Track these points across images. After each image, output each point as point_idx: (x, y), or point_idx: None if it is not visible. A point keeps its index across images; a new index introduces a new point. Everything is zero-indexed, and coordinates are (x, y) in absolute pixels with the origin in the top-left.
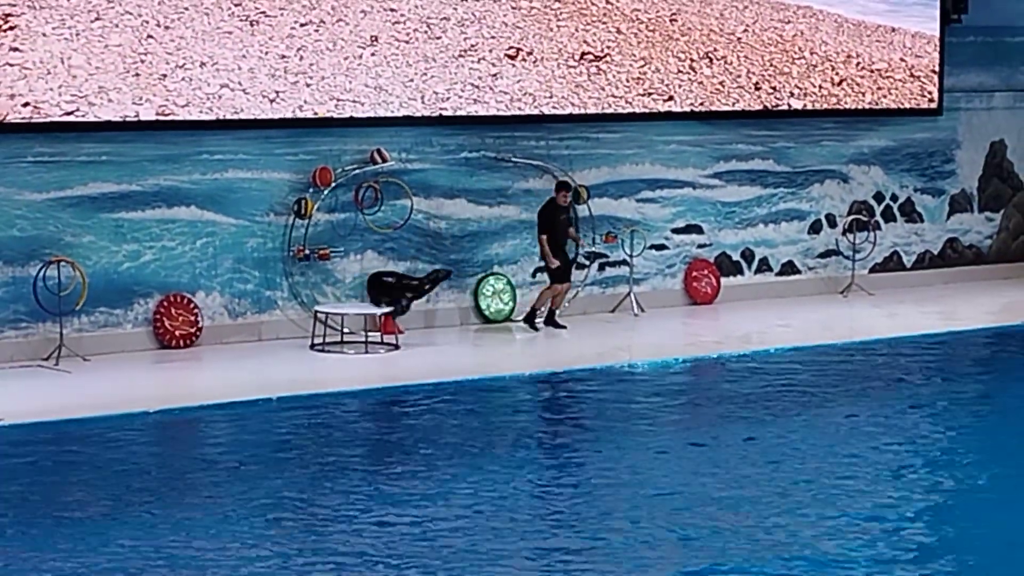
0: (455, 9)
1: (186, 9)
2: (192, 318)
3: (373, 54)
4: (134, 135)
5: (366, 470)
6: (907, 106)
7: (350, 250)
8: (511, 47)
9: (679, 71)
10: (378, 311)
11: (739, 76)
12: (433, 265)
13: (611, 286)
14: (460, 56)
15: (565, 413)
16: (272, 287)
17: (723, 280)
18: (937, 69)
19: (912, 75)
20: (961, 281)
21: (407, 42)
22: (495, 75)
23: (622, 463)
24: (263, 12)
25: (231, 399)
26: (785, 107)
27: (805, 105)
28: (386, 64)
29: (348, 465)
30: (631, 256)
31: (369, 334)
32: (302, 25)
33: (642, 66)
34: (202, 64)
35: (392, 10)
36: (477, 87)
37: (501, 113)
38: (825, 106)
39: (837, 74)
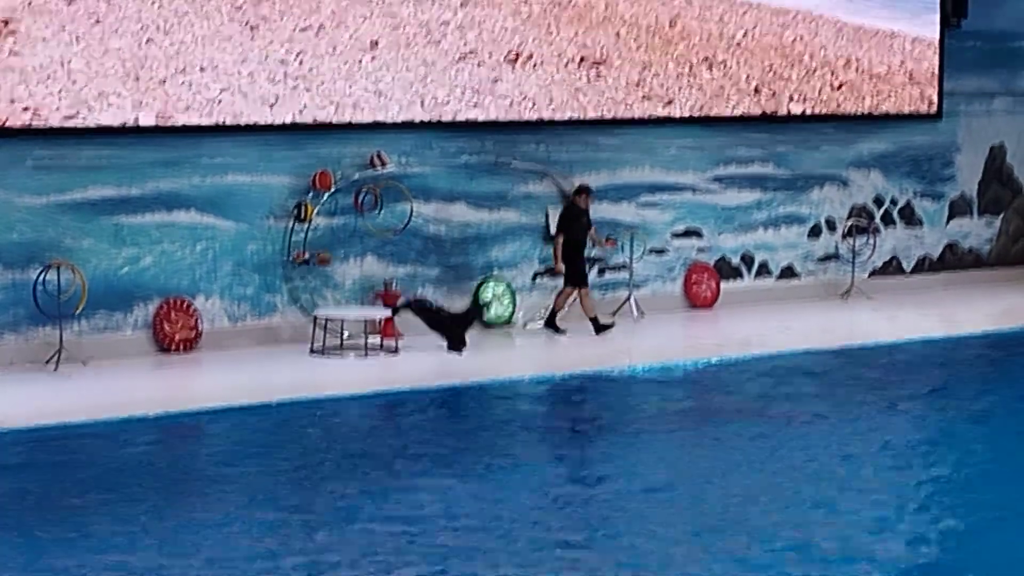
0: (455, 14)
1: (186, 14)
2: (192, 322)
3: (373, 59)
4: (134, 140)
5: (366, 475)
6: (907, 111)
7: (350, 254)
8: (511, 52)
9: (679, 75)
10: (378, 315)
11: (739, 81)
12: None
13: (611, 290)
14: (460, 61)
15: (565, 417)
16: (272, 291)
17: (723, 284)
18: (937, 73)
19: (912, 79)
20: (961, 285)
21: (407, 47)
22: (495, 80)
23: (622, 466)
24: (263, 17)
25: (231, 403)
26: (785, 112)
27: (805, 110)
28: (386, 69)
29: (348, 469)
30: (631, 260)
31: (369, 338)
32: (302, 30)
33: (642, 70)
34: (202, 69)
35: (392, 15)
36: (477, 91)
37: (501, 118)
38: (825, 111)
39: (837, 78)
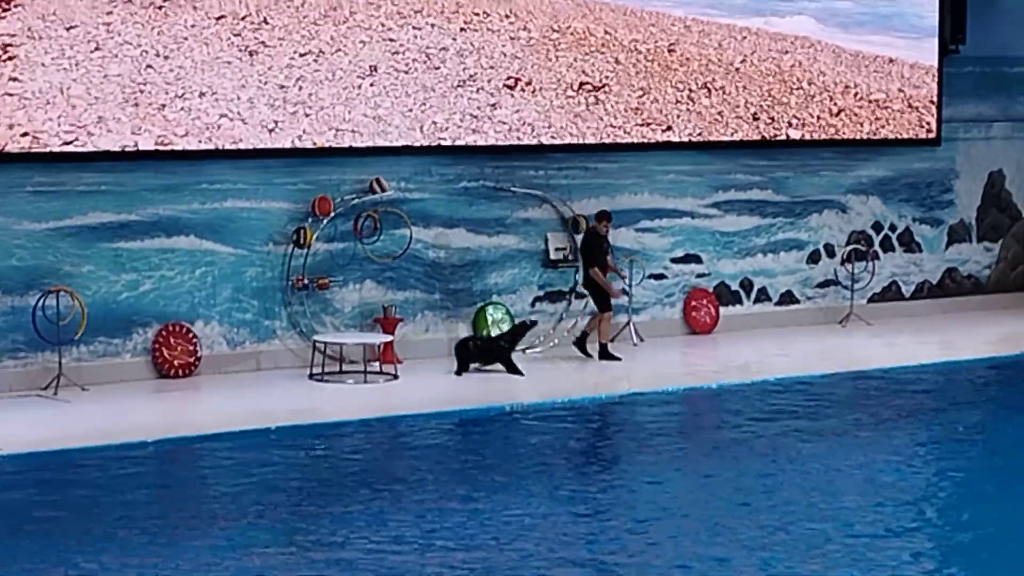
0: (454, 40)
1: (185, 39)
2: (191, 347)
3: (372, 84)
4: (133, 165)
5: (365, 500)
6: (905, 136)
7: (349, 279)
8: (510, 77)
9: (677, 101)
10: (377, 340)
11: (737, 106)
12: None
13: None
14: (459, 86)
15: (565, 442)
16: (271, 316)
17: (722, 310)
18: (935, 99)
19: (910, 105)
20: (960, 311)
21: (406, 72)
22: (494, 105)
23: (621, 491)
24: (262, 42)
25: (230, 429)
26: (783, 137)
27: (803, 135)
28: (385, 94)
29: (347, 495)
30: (630, 285)
31: (368, 363)
32: (301, 55)
33: (640, 96)
34: (201, 94)
35: (391, 40)
36: (476, 117)
37: (500, 143)
38: (823, 136)
39: (835, 104)
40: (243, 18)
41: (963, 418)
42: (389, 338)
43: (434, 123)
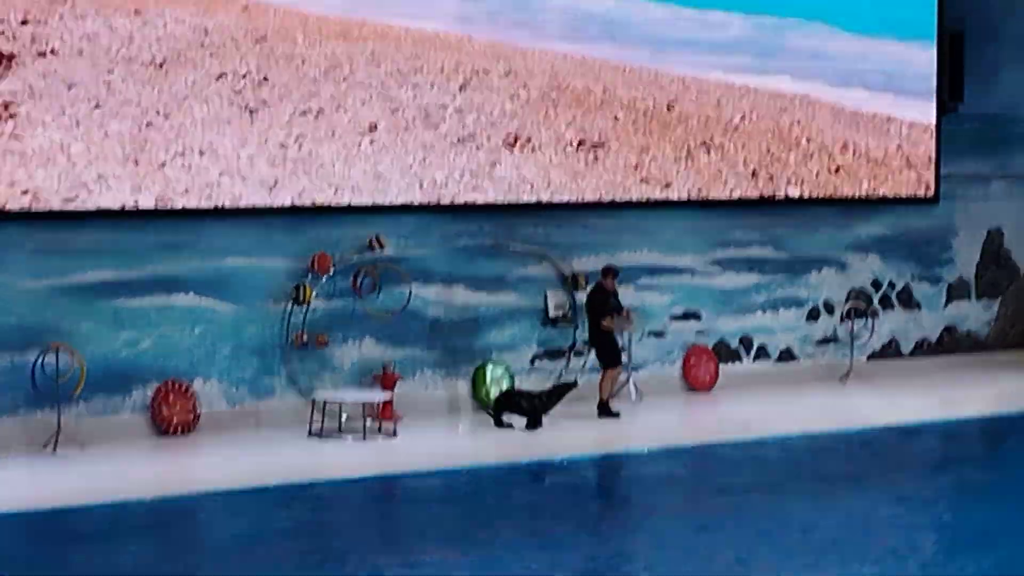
0: (453, 98)
1: (185, 98)
2: (190, 405)
3: (372, 142)
4: (133, 223)
5: (365, 558)
6: (904, 194)
7: (348, 337)
8: (509, 135)
9: (676, 159)
10: (377, 397)
11: (736, 164)
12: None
13: None
14: (458, 144)
15: (564, 501)
16: (270, 374)
17: (722, 367)
18: (933, 157)
19: (909, 163)
20: (959, 368)
21: (406, 130)
22: (493, 163)
23: (621, 551)
24: (262, 100)
25: (229, 487)
26: (782, 195)
27: (802, 193)
28: (385, 152)
29: (347, 552)
30: (629, 342)
31: (368, 421)
32: (301, 113)
33: (640, 154)
34: (201, 152)
35: (391, 98)
36: (475, 175)
37: (499, 201)
38: (822, 194)
39: (834, 162)
40: (243, 76)
41: (965, 476)
42: (388, 395)
43: (434, 180)
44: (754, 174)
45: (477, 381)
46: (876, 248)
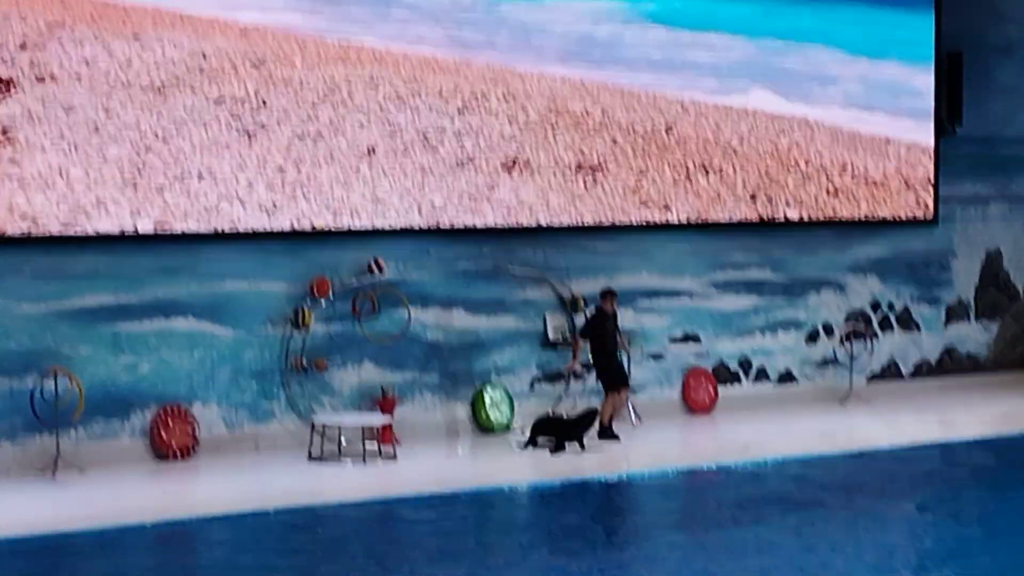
0: (452, 121)
1: (184, 122)
2: (189, 429)
3: (371, 165)
4: (132, 247)
5: None
6: (903, 216)
7: (347, 360)
8: (508, 158)
9: (675, 181)
10: (376, 421)
11: (735, 186)
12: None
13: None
14: (457, 167)
15: (565, 524)
16: (269, 398)
17: (721, 389)
18: (932, 179)
19: (907, 185)
20: (959, 390)
21: (404, 153)
22: (492, 186)
23: (617, 572)
24: (261, 124)
25: (228, 511)
26: (781, 217)
27: (801, 215)
28: (383, 175)
29: None
30: (629, 365)
31: (367, 444)
32: (299, 137)
33: (638, 177)
34: (200, 176)
35: (389, 122)
36: (474, 198)
37: (498, 224)
38: (821, 216)
39: (832, 184)
40: (242, 100)
41: (964, 498)
42: (388, 419)
43: (432, 204)
44: (753, 196)
45: (476, 405)
46: (875, 270)
